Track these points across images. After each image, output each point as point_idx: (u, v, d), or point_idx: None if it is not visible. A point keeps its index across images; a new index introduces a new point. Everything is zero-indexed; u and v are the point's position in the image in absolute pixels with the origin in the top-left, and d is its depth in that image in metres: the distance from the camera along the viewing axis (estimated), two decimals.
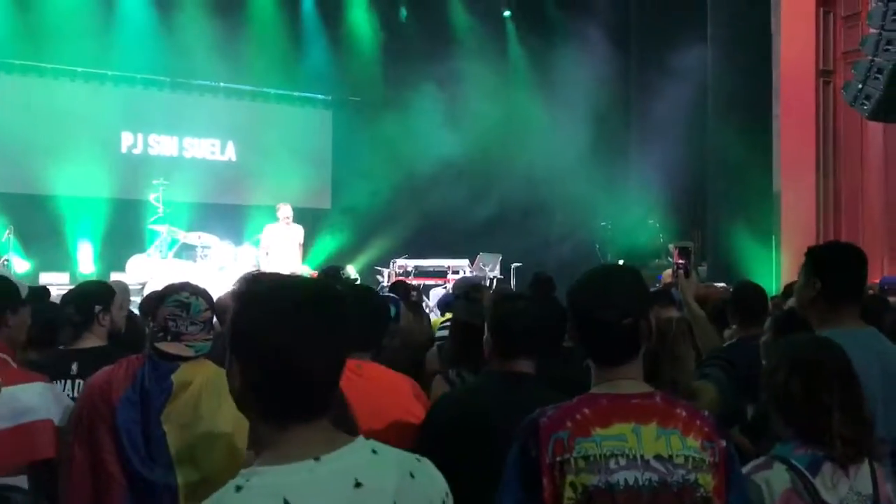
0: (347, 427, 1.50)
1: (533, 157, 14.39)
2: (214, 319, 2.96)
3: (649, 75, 14.89)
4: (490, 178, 14.27)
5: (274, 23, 14.46)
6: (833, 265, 2.79)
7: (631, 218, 14.30)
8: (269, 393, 1.31)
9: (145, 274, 10.69)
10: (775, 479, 1.99)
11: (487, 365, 2.62)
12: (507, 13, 16.29)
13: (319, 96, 15.59)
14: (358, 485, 1.29)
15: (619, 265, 2.11)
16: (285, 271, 9.16)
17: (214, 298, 2.98)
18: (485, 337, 2.61)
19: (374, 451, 1.37)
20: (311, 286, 1.39)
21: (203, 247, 11.42)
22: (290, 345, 1.29)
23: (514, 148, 14.42)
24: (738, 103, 12.43)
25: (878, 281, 8.78)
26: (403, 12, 15.60)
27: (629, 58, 16.03)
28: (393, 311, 3.20)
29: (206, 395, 2.61)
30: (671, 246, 13.74)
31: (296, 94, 15.36)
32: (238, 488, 1.26)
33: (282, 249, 10.82)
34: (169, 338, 2.67)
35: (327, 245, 14.36)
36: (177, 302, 2.70)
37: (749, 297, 3.93)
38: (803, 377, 2.10)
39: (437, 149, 13.62)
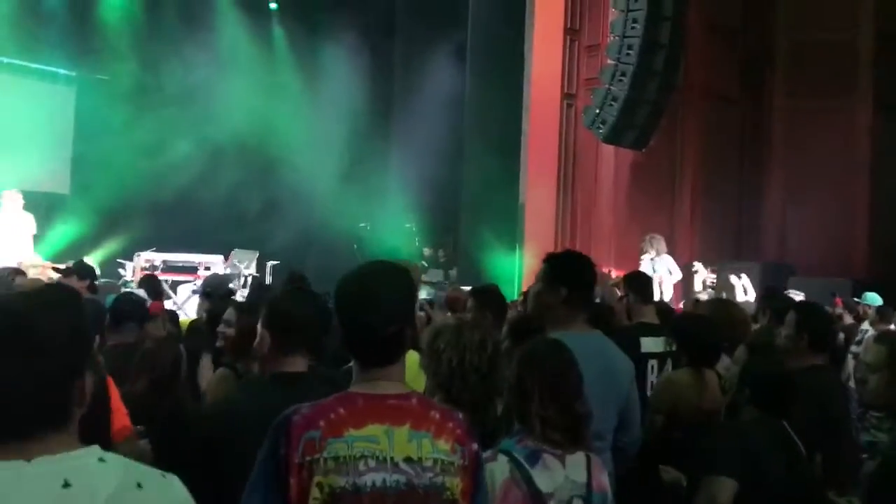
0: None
1: (294, 154, 14.18)
2: None
3: (412, 83, 15.31)
4: (249, 172, 13.84)
5: None
6: (576, 275, 3.03)
7: (389, 220, 14.58)
8: None
9: None
10: (497, 470, 2.13)
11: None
12: (273, 6, 15.96)
13: (62, 71, 14.19)
14: (66, 485, 1.31)
15: (389, 265, 1.97)
16: (13, 263, 8.31)
17: None
18: (260, 333, 2.57)
19: (100, 460, 1.38)
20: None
21: None
22: None
23: (275, 143, 14.12)
24: (491, 118, 13.16)
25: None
26: None
27: (392, 63, 16.36)
28: None
29: None
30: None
31: (34, 66, 13.85)
32: None
33: (9, 241, 9.92)
34: None
35: (64, 234, 13.13)
36: None
37: (494, 299, 4.36)
38: (532, 377, 2.27)
39: (193, 138, 12.96)
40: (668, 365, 4.02)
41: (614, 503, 2.38)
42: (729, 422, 3.07)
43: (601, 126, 11.29)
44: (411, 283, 1.94)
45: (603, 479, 2.29)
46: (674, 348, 3.90)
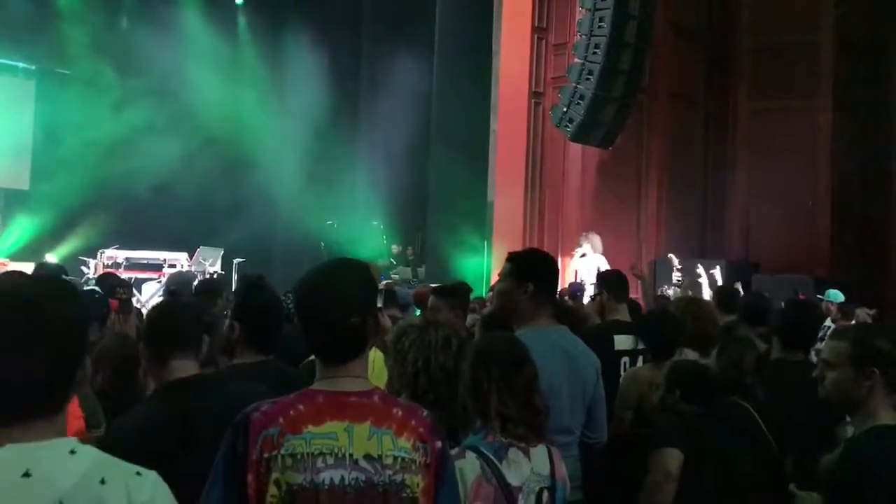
0: None
1: (260, 151, 14.06)
2: None
3: (379, 80, 15.26)
4: (215, 168, 13.66)
5: None
6: (539, 272, 3.07)
7: (356, 218, 14.51)
8: None
9: None
10: (467, 467, 2.14)
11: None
12: (239, 1, 15.80)
13: (20, 64, 13.91)
14: (26, 475, 1.32)
15: (347, 260, 2.00)
16: None
17: None
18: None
19: (72, 451, 1.37)
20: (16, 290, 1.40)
21: None
22: None
23: (241, 140, 13.99)
24: (459, 115, 13.14)
25: (567, 286, 9.69)
26: None
27: (360, 60, 16.29)
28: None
29: None
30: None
31: None
32: None
33: None
34: None
35: (24, 230, 12.89)
36: None
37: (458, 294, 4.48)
38: (487, 374, 2.29)
39: (157, 133, 12.79)
40: (640, 362, 4.07)
41: (582, 496, 2.41)
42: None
43: (568, 124, 11.33)
44: (370, 276, 1.93)
45: (563, 469, 2.34)
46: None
